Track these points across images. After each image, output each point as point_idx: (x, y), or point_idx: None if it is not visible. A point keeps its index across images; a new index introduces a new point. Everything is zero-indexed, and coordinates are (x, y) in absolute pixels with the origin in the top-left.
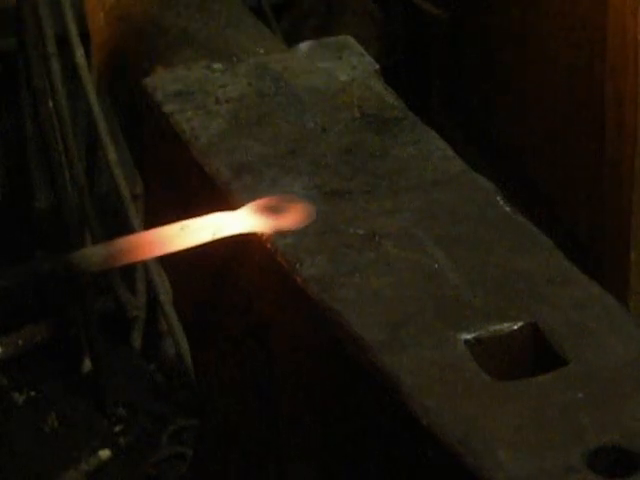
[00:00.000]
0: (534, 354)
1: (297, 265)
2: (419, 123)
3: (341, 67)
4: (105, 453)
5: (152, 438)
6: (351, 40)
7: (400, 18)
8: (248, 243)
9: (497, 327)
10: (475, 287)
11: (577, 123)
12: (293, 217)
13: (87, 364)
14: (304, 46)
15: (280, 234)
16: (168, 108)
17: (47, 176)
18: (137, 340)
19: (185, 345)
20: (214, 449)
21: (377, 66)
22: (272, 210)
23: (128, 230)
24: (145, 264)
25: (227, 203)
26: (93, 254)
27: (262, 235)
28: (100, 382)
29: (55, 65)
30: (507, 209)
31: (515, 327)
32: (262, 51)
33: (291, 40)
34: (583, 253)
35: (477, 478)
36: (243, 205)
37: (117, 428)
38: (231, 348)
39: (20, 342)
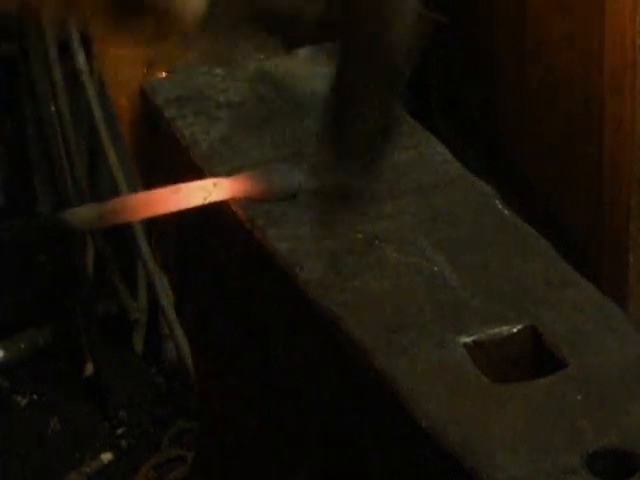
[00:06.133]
0: (533, 357)
1: (297, 269)
2: (419, 127)
3: None
4: (107, 456)
5: (153, 441)
6: None
7: None
8: (249, 246)
9: (496, 330)
10: (474, 290)
11: (576, 127)
12: (276, 186)
13: (89, 367)
14: (304, 51)
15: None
16: (169, 113)
17: (49, 180)
18: (138, 343)
19: (186, 348)
20: (214, 452)
21: None
22: (262, 179)
23: (129, 232)
24: (146, 268)
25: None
26: (84, 212)
27: (262, 238)
28: (102, 385)
29: (57, 70)
30: (506, 213)
31: (514, 330)
32: (263, 56)
33: (291, 45)
34: (581, 256)
35: None
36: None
37: (119, 431)
38: (231, 351)
39: (22, 345)
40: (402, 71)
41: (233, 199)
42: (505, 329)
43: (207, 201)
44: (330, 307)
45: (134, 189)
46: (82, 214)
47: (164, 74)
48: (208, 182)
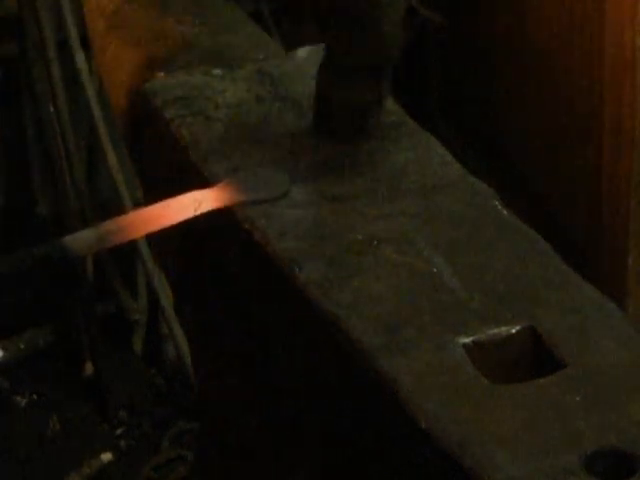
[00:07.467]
0: (532, 357)
1: (296, 269)
2: (418, 128)
3: None
4: (107, 456)
5: (153, 441)
6: None
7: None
8: (248, 247)
9: (495, 331)
10: (473, 291)
11: (575, 128)
12: (268, 189)
13: (89, 368)
14: (303, 51)
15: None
16: (168, 113)
17: (48, 181)
18: (138, 344)
19: (186, 348)
20: (214, 453)
21: None
22: (248, 184)
23: None
24: (146, 268)
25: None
26: (83, 237)
27: (262, 238)
28: (101, 385)
29: (56, 70)
30: (505, 213)
31: (513, 331)
32: (261, 56)
33: (290, 45)
34: (581, 257)
35: None
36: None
37: (118, 431)
38: (231, 351)
39: (22, 346)
40: (392, 52)
41: (222, 206)
42: (504, 330)
43: (198, 212)
44: (330, 307)
45: (133, 189)
46: (81, 239)
47: (163, 75)
48: (196, 193)
